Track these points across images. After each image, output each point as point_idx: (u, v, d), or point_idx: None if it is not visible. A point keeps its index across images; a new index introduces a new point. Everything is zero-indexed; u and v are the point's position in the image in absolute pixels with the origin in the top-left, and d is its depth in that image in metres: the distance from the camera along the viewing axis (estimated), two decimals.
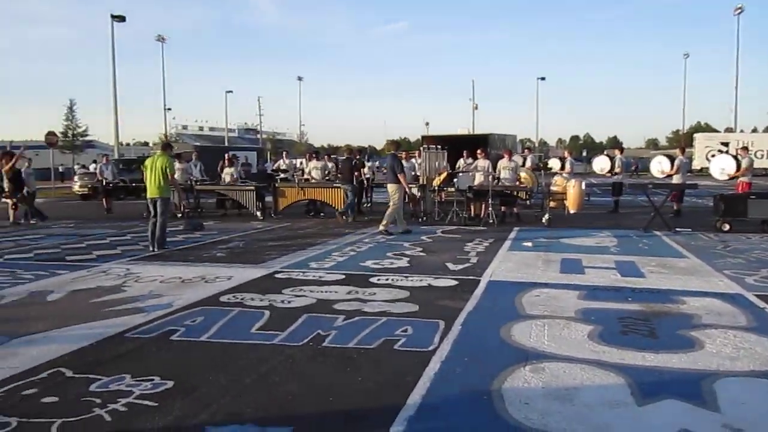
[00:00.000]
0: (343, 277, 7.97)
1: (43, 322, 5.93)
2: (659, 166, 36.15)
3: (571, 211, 14.46)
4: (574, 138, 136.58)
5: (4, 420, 3.66)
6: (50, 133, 29.22)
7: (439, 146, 17.14)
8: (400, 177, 12.22)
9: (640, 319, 5.89)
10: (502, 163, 15.25)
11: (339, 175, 16.06)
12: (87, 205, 22.86)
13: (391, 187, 12.48)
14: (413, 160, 17.12)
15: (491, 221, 13.96)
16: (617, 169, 17.66)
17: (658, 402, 3.88)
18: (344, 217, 14.73)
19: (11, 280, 8.10)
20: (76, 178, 29.11)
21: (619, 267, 8.65)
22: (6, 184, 15.55)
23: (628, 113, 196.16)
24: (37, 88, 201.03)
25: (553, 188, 15.82)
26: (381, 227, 12.24)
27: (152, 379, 4.33)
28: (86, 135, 52.74)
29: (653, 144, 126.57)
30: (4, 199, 15.89)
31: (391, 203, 12.32)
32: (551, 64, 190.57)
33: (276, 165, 21.55)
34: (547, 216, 14.04)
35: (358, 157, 17.30)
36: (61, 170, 49.40)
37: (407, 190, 12.46)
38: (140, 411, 3.79)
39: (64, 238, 12.35)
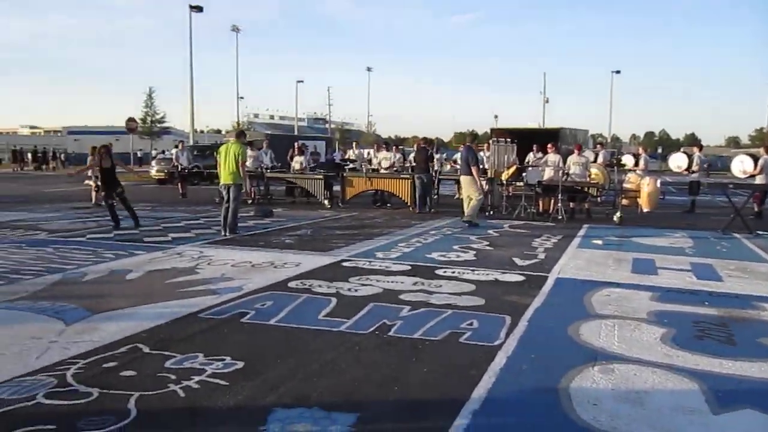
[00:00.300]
0: (410, 268, 7.98)
1: (122, 299, 6.18)
2: (741, 166, 34.32)
3: (645, 210, 13.93)
4: (649, 134, 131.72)
5: (87, 390, 3.88)
6: (130, 120, 30.35)
7: (509, 139, 16.75)
8: (473, 169, 12.20)
9: (717, 324, 5.66)
10: (572, 158, 14.98)
11: (413, 165, 16.10)
12: (163, 189, 23.73)
13: (464, 180, 12.49)
14: (481, 153, 16.85)
15: (560, 217, 13.73)
16: (695, 168, 16.86)
17: (735, 411, 3.73)
18: (426, 209, 15.05)
19: (93, 259, 8.51)
20: (153, 163, 30.11)
21: (694, 269, 8.35)
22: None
23: (707, 109, 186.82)
24: (119, 77, 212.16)
25: (626, 185, 15.27)
26: (465, 218, 12.43)
27: (224, 359, 4.48)
28: (163, 122, 54.92)
29: (734, 142, 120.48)
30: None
31: (473, 196, 12.51)
32: (626, 57, 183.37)
33: (345, 155, 21.77)
34: (618, 214, 13.66)
35: (426, 145, 17.06)
36: (139, 155, 51.41)
37: (479, 183, 12.41)
38: (212, 389, 3.92)
39: (142, 220, 12.81)
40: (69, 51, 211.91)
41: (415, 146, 16.75)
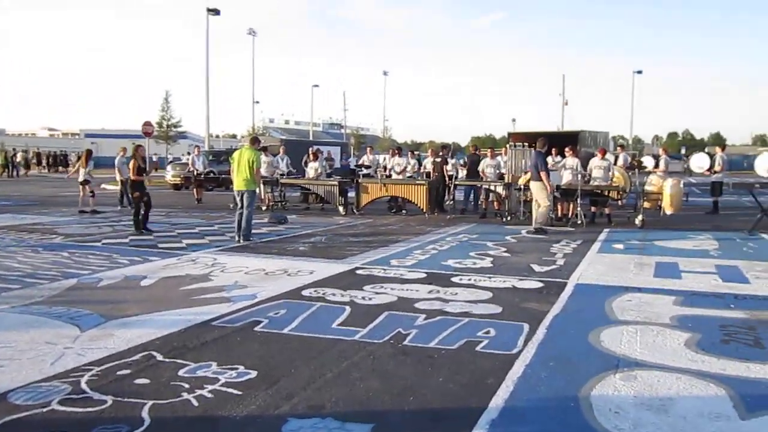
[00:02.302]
0: (425, 275, 7.92)
1: (136, 305, 6.22)
2: (765, 164, 33.72)
3: (668, 212, 13.74)
4: (672, 135, 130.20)
5: (101, 398, 3.89)
6: (146, 123, 30.32)
7: (526, 143, 16.54)
8: (542, 175, 12.21)
9: (744, 327, 5.56)
10: (594, 161, 14.88)
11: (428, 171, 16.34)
12: (178, 194, 23.89)
13: (534, 186, 12.46)
14: (498, 157, 16.79)
15: (579, 222, 13.62)
16: (717, 168, 16.60)
17: (765, 416, 3.68)
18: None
19: (108, 264, 8.57)
20: (168, 168, 29.98)
21: (720, 271, 8.21)
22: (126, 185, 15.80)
23: (732, 108, 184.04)
24: (135, 80, 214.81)
25: (648, 188, 15.09)
26: (535, 225, 12.39)
27: (237, 368, 4.46)
28: (179, 126, 54.50)
29: (761, 140, 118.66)
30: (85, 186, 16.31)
31: (541, 203, 12.51)
32: (649, 55, 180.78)
33: (360, 160, 21.70)
34: (640, 217, 13.52)
35: (441, 153, 17.38)
36: (154, 159, 51.82)
37: (549, 188, 12.41)
38: (225, 398, 3.92)
39: (157, 225, 12.88)
40: (88, 50, 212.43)
41: (430, 153, 17.05)
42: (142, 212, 12.06)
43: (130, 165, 12.34)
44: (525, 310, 6.18)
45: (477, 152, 17.10)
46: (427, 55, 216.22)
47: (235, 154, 11.33)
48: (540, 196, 12.29)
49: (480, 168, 16.07)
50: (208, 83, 37.88)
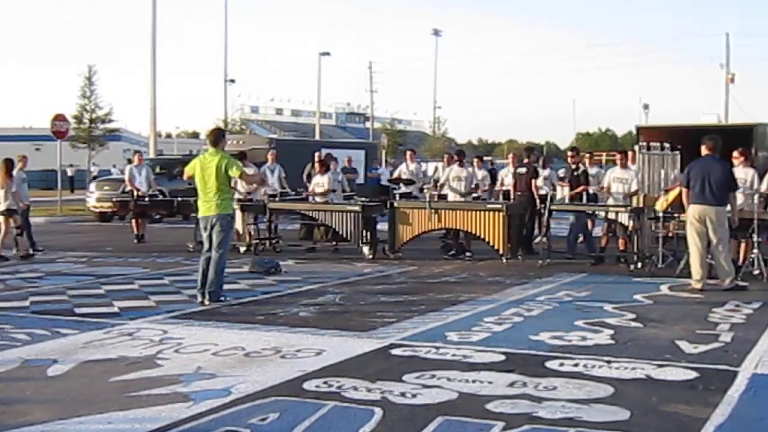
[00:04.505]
0: (503, 358, 6.72)
1: (40, 408, 5.31)
2: None
3: None
4: None
5: None
6: (58, 118, 24.78)
7: (668, 144, 14.33)
8: (731, 197, 10.42)
9: None
10: None
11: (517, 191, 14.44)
12: (108, 228, 21.18)
13: (713, 213, 9.92)
14: (632, 168, 13.78)
15: (757, 271, 11.25)
16: None
17: None
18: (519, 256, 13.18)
19: None
20: (92, 187, 24.65)
21: None
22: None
23: None
24: (44, 48, 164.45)
25: None
26: (725, 284, 10.13)
27: None
28: (110, 120, 41.97)
29: None
30: None
31: (717, 239, 10.02)
32: None
33: (396, 171, 18.12)
34: None
35: (528, 160, 14.58)
36: (70, 174, 43.51)
37: (734, 218, 10.37)
38: None
39: (74, 279, 11.35)
40: None
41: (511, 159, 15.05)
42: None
43: None
44: (668, 416, 5.09)
45: (575, 158, 13.75)
46: (498, 8, 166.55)
47: (195, 164, 9.56)
48: (720, 231, 9.97)
49: (605, 183, 13.24)
50: (155, 54, 29.61)
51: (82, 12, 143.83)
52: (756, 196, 11.66)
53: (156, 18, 28.09)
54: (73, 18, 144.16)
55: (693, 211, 10.02)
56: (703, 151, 10.30)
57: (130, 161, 19.52)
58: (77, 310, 9.04)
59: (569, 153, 14.11)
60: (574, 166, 13.85)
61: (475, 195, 14.49)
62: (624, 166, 13.17)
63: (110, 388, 5.94)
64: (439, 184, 15.14)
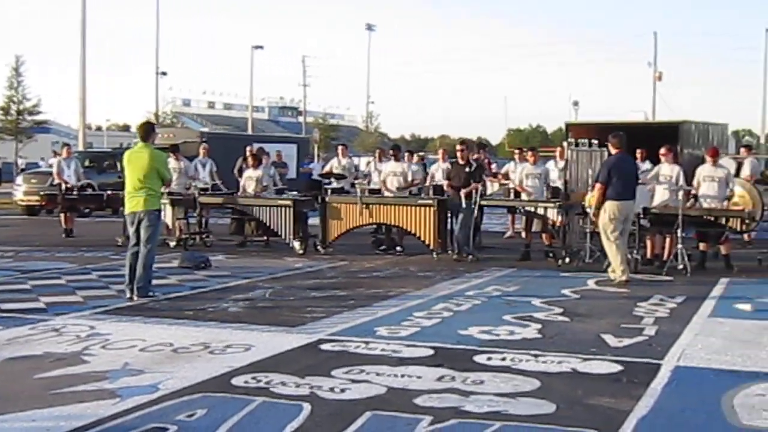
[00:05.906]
0: (432, 352, 6.80)
1: None
2: None
3: None
4: None
5: None
6: None
7: (595, 141, 14.47)
8: (597, 187, 10.89)
9: None
10: (703, 170, 12.49)
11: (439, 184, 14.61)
12: (34, 222, 20.75)
13: (632, 207, 10.61)
14: (551, 162, 14.87)
15: (681, 266, 11.45)
16: None
17: None
18: (465, 254, 12.50)
19: None
20: (19, 180, 24.37)
21: None
22: None
23: None
24: None
25: None
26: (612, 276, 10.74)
27: None
28: (38, 112, 42.68)
29: None
30: None
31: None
32: None
33: (328, 166, 18.18)
34: None
35: (477, 156, 14.77)
36: None
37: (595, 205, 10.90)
38: None
39: None
40: None
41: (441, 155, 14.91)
42: None
43: None
44: (593, 409, 5.21)
45: (463, 152, 12.91)
46: (438, 4, 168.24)
47: (127, 156, 9.53)
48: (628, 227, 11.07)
49: (516, 179, 13.94)
50: (85, 45, 30.25)
51: (10, 3, 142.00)
52: (681, 193, 11.75)
53: (86, 7, 28.62)
54: (1, 9, 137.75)
55: (616, 207, 10.27)
56: (613, 149, 10.56)
57: (57, 153, 19.15)
58: (1, 306, 8.83)
59: (457, 147, 13.03)
60: (462, 161, 12.70)
61: (409, 190, 14.44)
62: (535, 161, 13.47)
63: (35, 385, 5.81)
64: (374, 178, 15.08)
